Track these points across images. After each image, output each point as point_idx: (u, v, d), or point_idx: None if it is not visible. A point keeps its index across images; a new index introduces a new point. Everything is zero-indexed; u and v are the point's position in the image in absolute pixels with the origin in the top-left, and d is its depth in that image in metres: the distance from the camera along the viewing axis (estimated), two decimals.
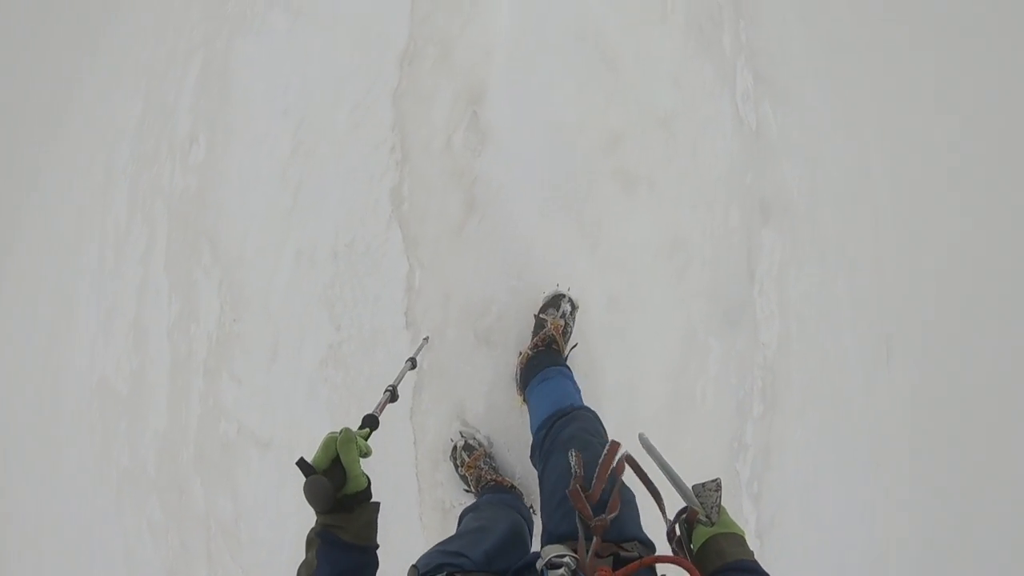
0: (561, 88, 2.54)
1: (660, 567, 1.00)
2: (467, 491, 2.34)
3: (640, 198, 2.57)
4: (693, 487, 1.03)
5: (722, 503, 1.03)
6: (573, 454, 1.18)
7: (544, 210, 2.47)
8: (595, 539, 1.03)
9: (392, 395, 1.32)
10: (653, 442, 1.15)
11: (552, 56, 2.54)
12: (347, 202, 2.56)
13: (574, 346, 2.34)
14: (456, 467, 2.37)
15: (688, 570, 0.86)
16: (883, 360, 3.26)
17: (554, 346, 2.26)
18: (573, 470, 1.15)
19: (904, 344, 3.34)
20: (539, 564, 1.05)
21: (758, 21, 3.11)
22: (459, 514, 1.96)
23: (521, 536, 1.74)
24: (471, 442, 2.37)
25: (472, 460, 2.29)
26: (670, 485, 1.09)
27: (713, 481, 1.02)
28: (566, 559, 1.00)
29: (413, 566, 1.22)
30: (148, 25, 3.69)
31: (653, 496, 1.12)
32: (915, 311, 3.39)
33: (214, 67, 2.94)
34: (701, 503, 1.02)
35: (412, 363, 1.60)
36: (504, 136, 2.48)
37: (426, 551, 1.37)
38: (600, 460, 1.10)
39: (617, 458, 1.10)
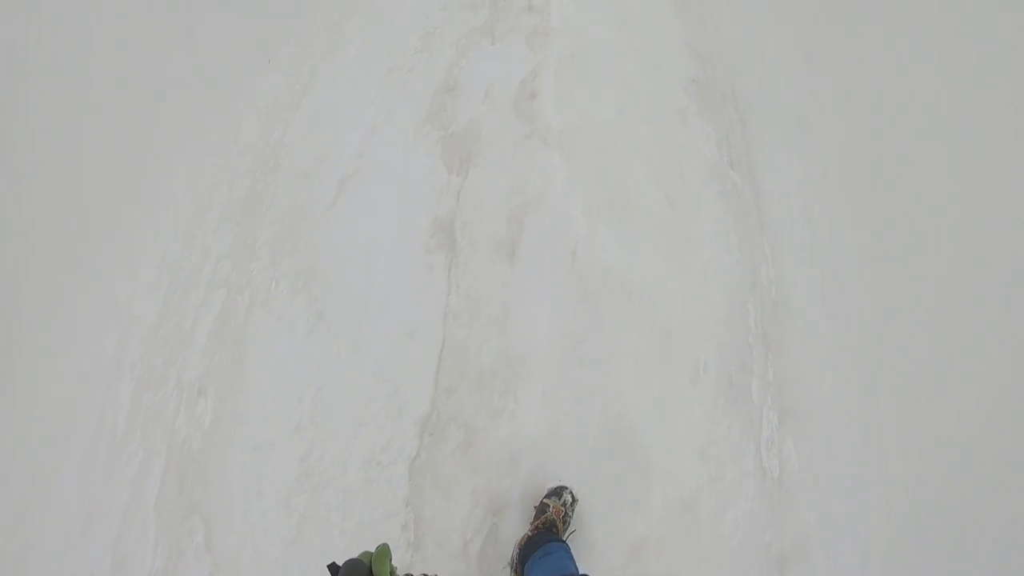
0: (588, 501, 2.53)
1: None
2: None
3: None
4: None
5: None
6: None
7: None
8: None
9: None
10: None
11: (581, 460, 2.57)
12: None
13: (573, 531, 2.46)
14: None
15: None
16: None
17: (554, 529, 2.39)
18: None
19: None
20: None
21: (785, 349, 3.09)
22: None
23: None
24: None
25: None
26: None
27: None
28: None
29: None
30: (181, 227, 3.64)
31: None
32: None
33: (232, 327, 3.04)
34: None
35: None
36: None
37: None
38: None
39: None
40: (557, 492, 2.56)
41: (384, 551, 1.07)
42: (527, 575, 2.23)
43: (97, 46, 4.41)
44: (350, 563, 1.03)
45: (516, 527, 2.54)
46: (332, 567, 1.03)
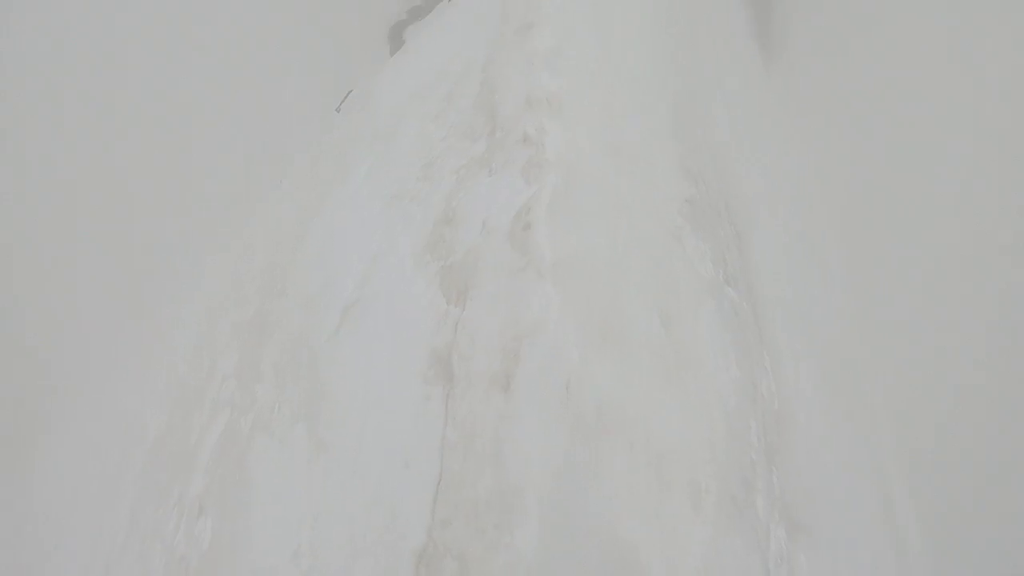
0: None
1: None
2: None
3: None
4: None
5: None
6: None
7: None
8: None
9: None
10: None
11: None
12: None
13: None
14: None
15: None
16: None
17: None
18: None
19: None
20: None
21: (789, 460, 3.07)
22: None
23: None
24: None
25: None
26: None
27: None
28: None
29: None
30: (190, 344, 3.75)
31: None
32: None
33: (234, 449, 3.11)
34: None
35: None
36: None
37: None
38: None
39: None
40: None
41: None
42: None
43: (119, 167, 4.67)
44: None
45: None
46: None
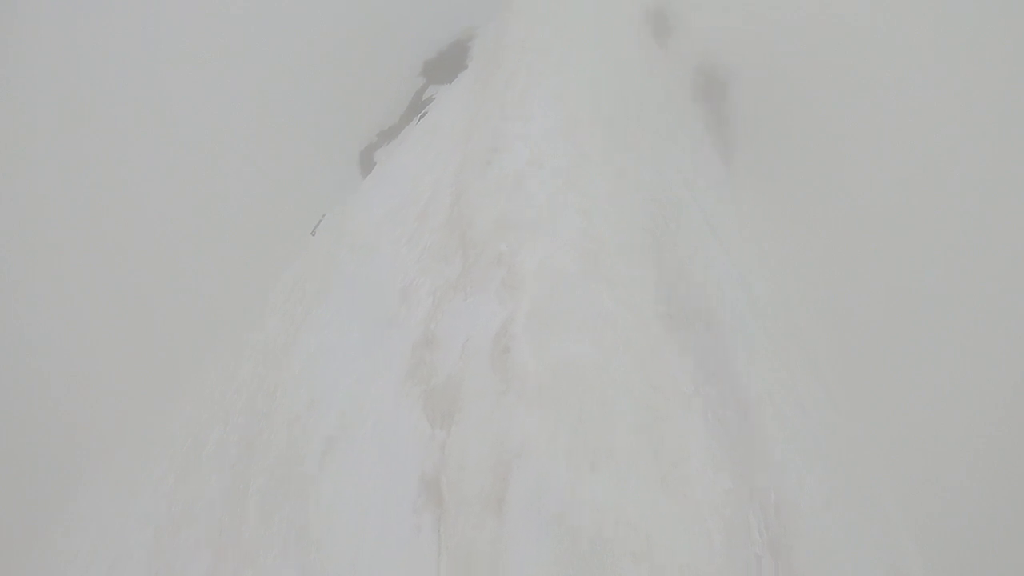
0: None
1: None
2: None
3: None
4: None
5: None
6: None
7: None
8: None
9: None
10: None
11: None
12: None
13: None
14: None
15: None
16: None
17: None
18: None
19: None
20: None
21: (796, 552, 3.06)
22: None
23: None
24: None
25: None
26: None
27: None
28: None
29: None
30: (177, 461, 3.66)
31: None
32: None
33: None
34: None
35: None
36: None
37: None
38: None
39: None
40: None
41: None
42: None
43: (105, 286, 4.68)
44: None
45: None
46: None
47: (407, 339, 3.77)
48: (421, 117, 6.15)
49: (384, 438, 3.42)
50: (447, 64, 7.09)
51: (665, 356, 3.75)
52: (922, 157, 6.33)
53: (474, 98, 5.82)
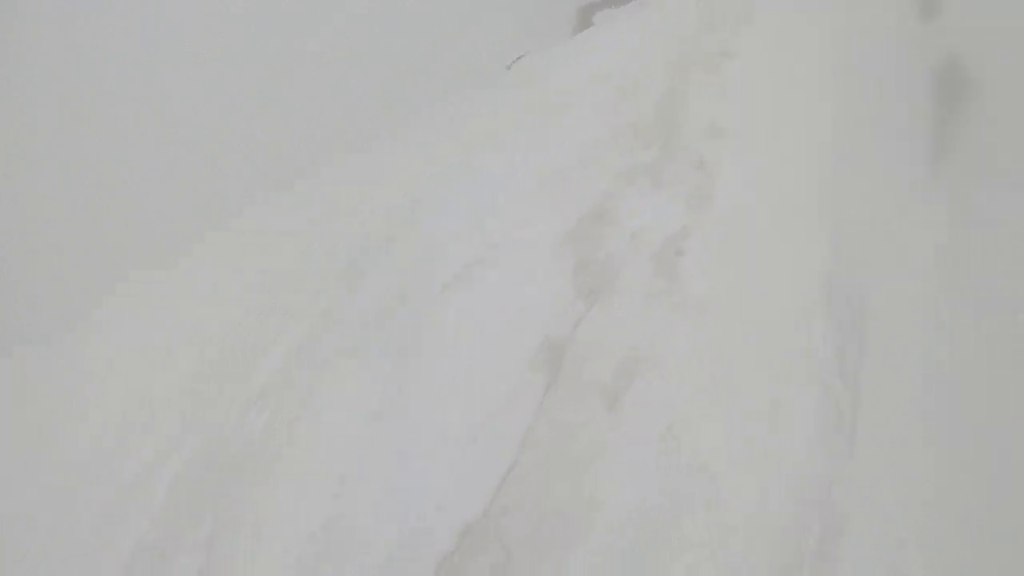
0: None
1: None
2: None
3: None
4: None
5: None
6: None
7: None
8: None
9: None
10: None
11: None
12: None
13: None
14: None
15: None
16: None
17: None
18: None
19: None
20: None
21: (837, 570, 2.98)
22: None
23: None
24: None
25: None
26: None
27: None
28: None
29: None
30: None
31: None
32: None
33: (304, 365, 2.98)
34: None
35: None
36: None
37: None
38: None
39: None
40: None
41: None
42: None
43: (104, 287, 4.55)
44: None
45: None
46: None
47: (579, 206, 3.61)
48: None
49: (524, 286, 3.33)
50: None
51: (808, 328, 3.48)
52: None
53: None
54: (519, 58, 5.27)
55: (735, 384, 3.21)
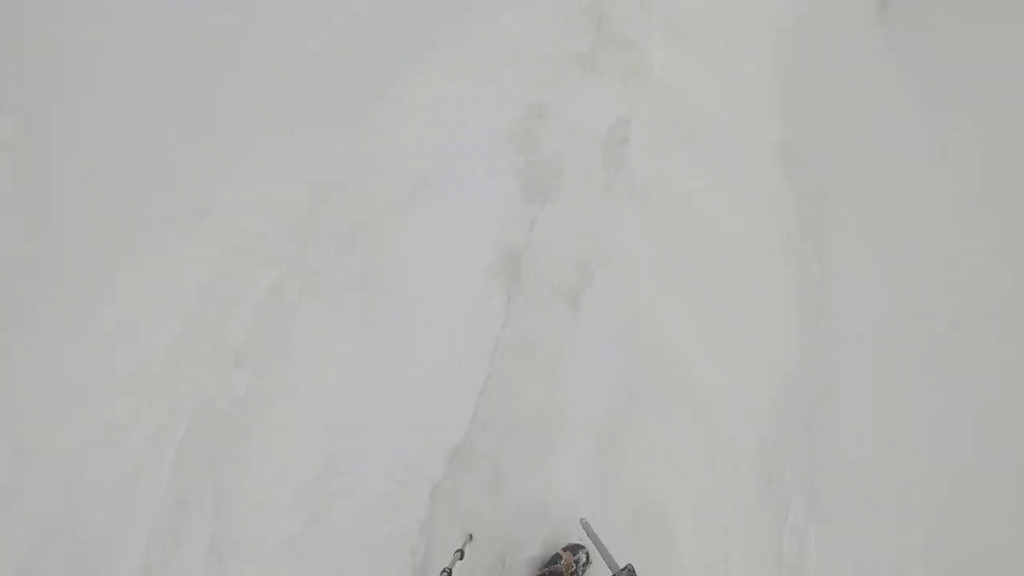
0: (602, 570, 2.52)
1: None
2: None
3: None
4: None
5: None
6: None
7: None
8: None
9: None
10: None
11: (606, 526, 2.51)
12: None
13: None
14: None
15: None
16: None
17: None
18: None
19: None
20: None
21: (827, 439, 3.05)
22: None
23: None
24: None
25: None
26: None
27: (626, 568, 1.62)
28: None
29: None
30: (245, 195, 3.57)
31: None
32: None
33: (281, 307, 2.95)
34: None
35: (460, 554, 2.09)
36: None
37: None
38: None
39: None
40: (573, 548, 2.58)
41: None
42: None
43: None
44: None
45: (523, 568, 2.54)
46: None
47: (515, 104, 3.44)
48: None
49: (471, 198, 3.20)
50: None
51: (766, 196, 3.40)
52: None
53: None
54: None
55: (699, 269, 3.17)
